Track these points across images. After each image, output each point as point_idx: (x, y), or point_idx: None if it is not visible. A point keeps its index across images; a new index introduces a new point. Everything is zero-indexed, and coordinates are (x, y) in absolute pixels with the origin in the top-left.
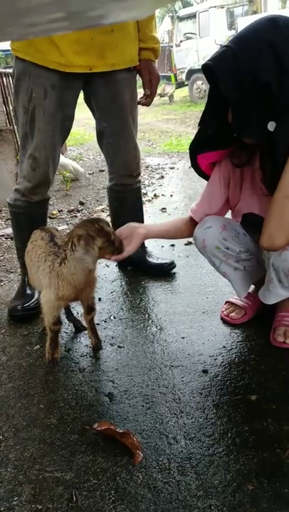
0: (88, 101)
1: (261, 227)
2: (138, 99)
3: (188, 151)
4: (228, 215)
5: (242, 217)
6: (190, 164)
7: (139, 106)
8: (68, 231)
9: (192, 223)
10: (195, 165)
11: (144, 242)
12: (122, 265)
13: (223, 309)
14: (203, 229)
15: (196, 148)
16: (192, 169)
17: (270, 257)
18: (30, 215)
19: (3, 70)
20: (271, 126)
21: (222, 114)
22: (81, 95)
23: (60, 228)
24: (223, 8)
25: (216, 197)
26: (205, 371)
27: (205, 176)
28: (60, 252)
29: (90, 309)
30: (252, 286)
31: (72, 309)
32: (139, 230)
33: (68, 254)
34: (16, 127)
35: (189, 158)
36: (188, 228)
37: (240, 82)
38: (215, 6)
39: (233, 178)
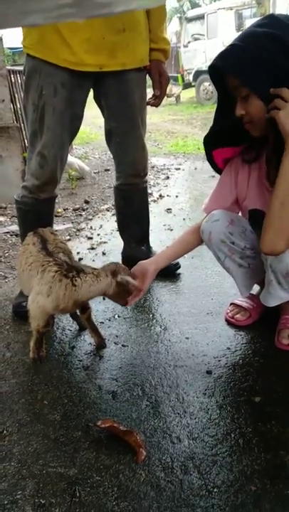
0: (98, 100)
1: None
2: (147, 99)
3: (196, 150)
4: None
5: (248, 214)
6: (196, 166)
7: (147, 106)
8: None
9: None
10: (210, 160)
11: (149, 243)
12: (126, 265)
13: (228, 311)
14: (211, 222)
15: (211, 144)
16: (198, 170)
17: (267, 258)
18: (36, 213)
19: (11, 68)
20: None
21: (232, 112)
22: (90, 94)
23: (64, 227)
24: (231, 9)
25: (226, 192)
26: (209, 372)
27: (220, 171)
28: (65, 265)
29: (83, 308)
30: (257, 288)
31: None
32: (149, 268)
33: (102, 274)
34: (22, 125)
35: (205, 152)
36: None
37: (257, 68)
38: (223, 8)
39: (242, 175)
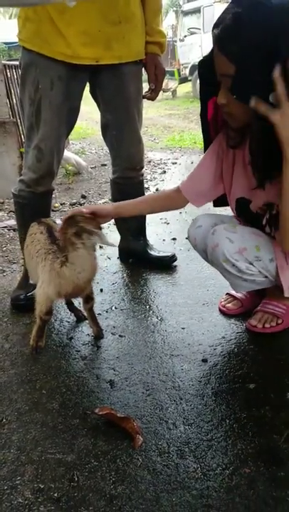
0: (94, 93)
1: (250, 211)
2: (143, 93)
3: (192, 144)
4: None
5: (235, 203)
6: (192, 160)
7: (143, 100)
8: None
9: (178, 195)
10: (204, 112)
11: (146, 236)
12: (123, 258)
13: (222, 300)
14: (195, 228)
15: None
16: (194, 165)
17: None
18: (34, 206)
19: (8, 62)
20: (273, 97)
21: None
22: (86, 88)
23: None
24: (227, 3)
25: (208, 167)
26: (204, 360)
27: (207, 127)
28: (57, 252)
29: (88, 299)
30: None
31: (72, 299)
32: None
33: (71, 254)
34: (19, 120)
35: (200, 101)
36: (173, 198)
37: (248, 43)
38: (220, 1)
39: (226, 161)
